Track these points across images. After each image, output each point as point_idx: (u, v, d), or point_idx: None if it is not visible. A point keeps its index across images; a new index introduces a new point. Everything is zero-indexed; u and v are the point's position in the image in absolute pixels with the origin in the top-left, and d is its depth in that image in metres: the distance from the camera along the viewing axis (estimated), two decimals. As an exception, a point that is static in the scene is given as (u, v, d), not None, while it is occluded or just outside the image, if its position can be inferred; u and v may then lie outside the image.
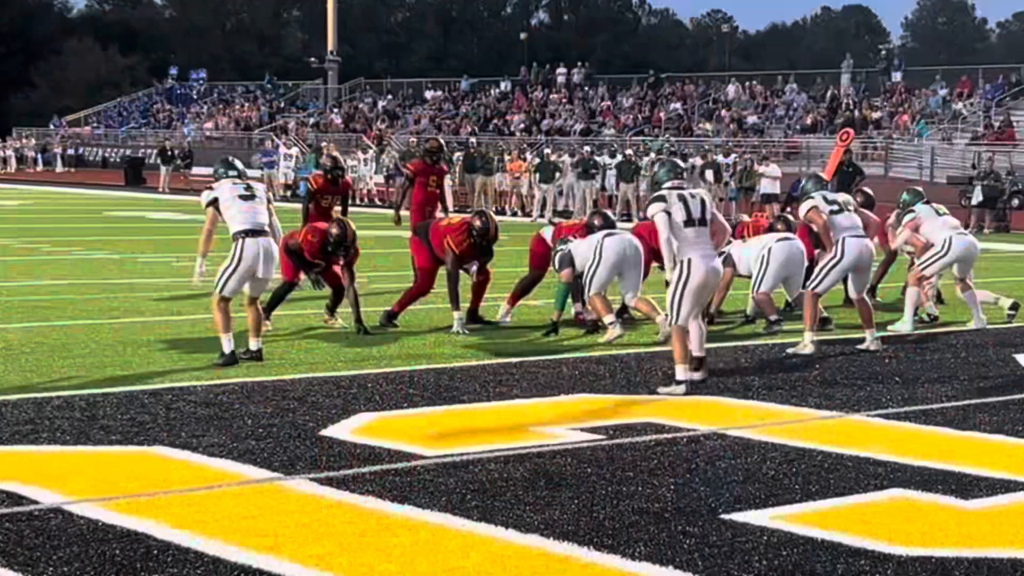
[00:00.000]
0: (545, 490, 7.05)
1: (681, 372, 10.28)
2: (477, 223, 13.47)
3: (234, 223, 11.21)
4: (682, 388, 10.14)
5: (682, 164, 13.45)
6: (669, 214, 10.44)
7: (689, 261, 10.38)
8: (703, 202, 10.64)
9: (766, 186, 37.34)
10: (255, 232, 11.21)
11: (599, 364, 11.51)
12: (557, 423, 8.88)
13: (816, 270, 12.76)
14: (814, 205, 12.60)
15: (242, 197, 11.33)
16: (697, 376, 10.48)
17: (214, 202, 11.35)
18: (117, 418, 8.72)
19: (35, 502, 6.65)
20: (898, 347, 12.90)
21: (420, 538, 6.16)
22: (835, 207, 12.68)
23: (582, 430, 8.64)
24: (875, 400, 10.00)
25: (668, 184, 10.72)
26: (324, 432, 8.41)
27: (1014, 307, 14.67)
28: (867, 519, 6.62)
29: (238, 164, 11.83)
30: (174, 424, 8.57)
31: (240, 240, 11.14)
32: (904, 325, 14.01)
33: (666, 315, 10.77)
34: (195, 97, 78.42)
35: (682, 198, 10.52)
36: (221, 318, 11.11)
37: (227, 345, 11.06)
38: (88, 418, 8.72)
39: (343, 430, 8.48)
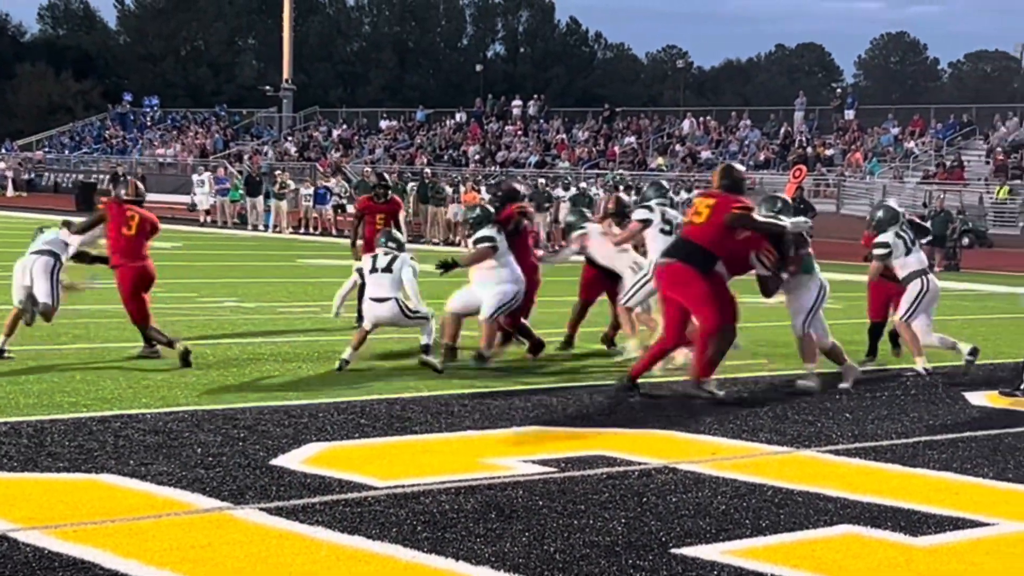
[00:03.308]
0: (496, 522, 7.03)
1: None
2: None
3: None
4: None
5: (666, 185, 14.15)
6: (650, 221, 13.09)
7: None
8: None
9: None
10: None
11: (551, 396, 11.51)
12: (508, 455, 8.86)
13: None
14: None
15: None
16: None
17: None
18: (65, 445, 8.64)
19: (-20, 529, 6.57)
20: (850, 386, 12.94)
21: (370, 569, 6.13)
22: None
23: (533, 462, 8.62)
24: (826, 436, 10.03)
25: (656, 201, 13.34)
26: (274, 462, 8.36)
27: (973, 352, 14.30)
28: (817, 555, 6.64)
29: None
30: (122, 452, 8.49)
31: None
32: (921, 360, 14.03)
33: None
34: (148, 123, 78.12)
35: (664, 214, 13.12)
36: None
37: None
38: (35, 445, 8.64)
39: (294, 460, 8.44)
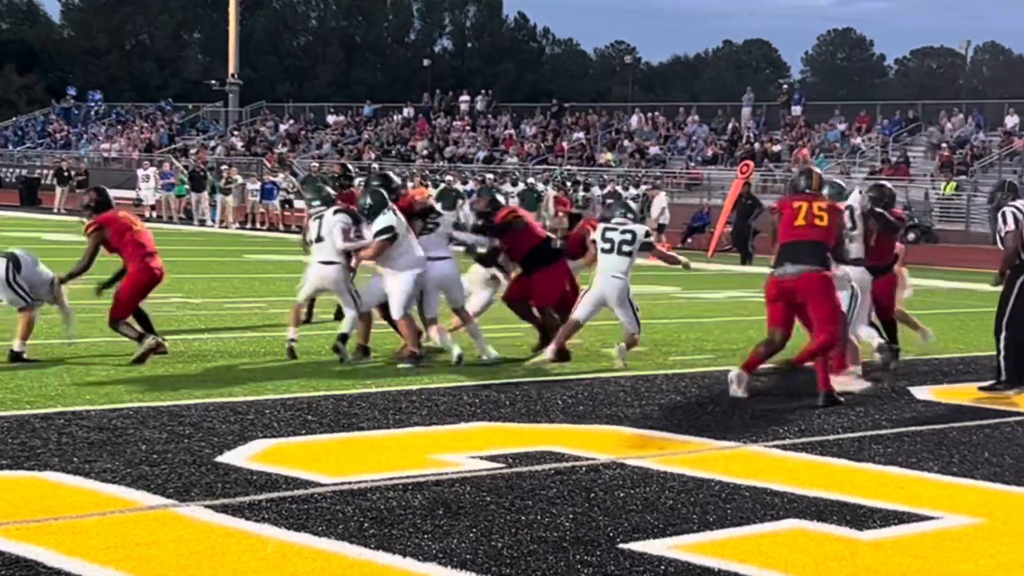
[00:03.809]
0: (444, 519, 7.01)
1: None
2: None
3: None
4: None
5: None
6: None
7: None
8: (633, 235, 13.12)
9: (655, 214, 37.81)
10: None
11: (499, 392, 11.49)
12: (457, 451, 8.84)
13: None
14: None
15: None
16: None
17: None
18: (7, 442, 8.55)
19: (-80, 528, 6.49)
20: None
21: (317, 566, 6.10)
22: None
23: (481, 458, 8.61)
24: (772, 431, 10.07)
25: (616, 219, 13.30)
26: (220, 458, 8.30)
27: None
28: (764, 549, 6.66)
29: None
30: (66, 449, 8.41)
31: None
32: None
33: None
34: (93, 118, 77.52)
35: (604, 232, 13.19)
36: None
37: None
38: (-23, 442, 8.54)
39: (239, 457, 8.38)
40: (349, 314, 13.12)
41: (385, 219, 12.84)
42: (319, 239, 13.19)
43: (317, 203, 13.47)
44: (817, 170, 12.54)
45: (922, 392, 12.23)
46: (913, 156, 50.54)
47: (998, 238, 12.66)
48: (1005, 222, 12.25)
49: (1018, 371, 12.25)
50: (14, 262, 12.51)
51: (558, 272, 13.86)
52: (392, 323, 13.31)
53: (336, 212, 13.23)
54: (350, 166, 19.96)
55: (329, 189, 14.11)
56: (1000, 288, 12.44)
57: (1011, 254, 12.21)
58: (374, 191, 13.20)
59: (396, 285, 12.89)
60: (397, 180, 14.23)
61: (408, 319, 12.98)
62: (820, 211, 11.58)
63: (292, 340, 13.04)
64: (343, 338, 12.92)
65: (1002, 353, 12.28)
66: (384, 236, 12.77)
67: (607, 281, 13.20)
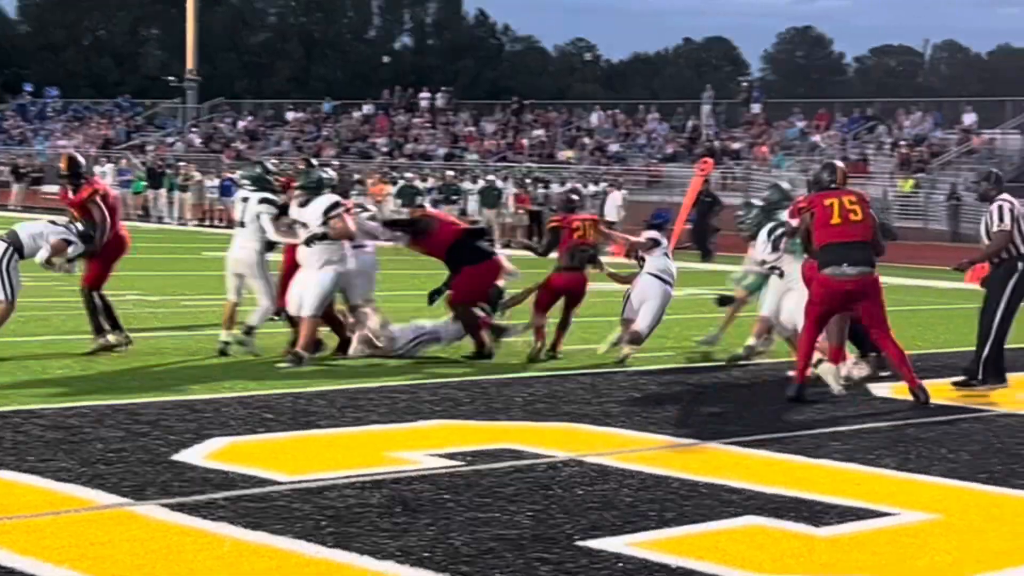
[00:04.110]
0: (402, 516, 6.99)
1: None
2: None
3: None
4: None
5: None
6: None
7: None
8: None
9: (608, 212, 37.94)
10: None
11: (458, 390, 11.47)
12: (415, 449, 8.82)
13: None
14: None
15: None
16: None
17: None
18: (-39, 441, 8.48)
19: None
20: (754, 375, 13.05)
21: (273, 565, 6.07)
22: None
23: (440, 456, 8.59)
24: (731, 428, 10.09)
25: None
26: (176, 457, 8.25)
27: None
28: (721, 546, 6.66)
29: None
30: (21, 448, 8.34)
31: None
32: None
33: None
34: (50, 114, 76.93)
35: None
36: None
37: None
38: (-69, 441, 8.47)
39: (196, 455, 8.33)
40: (262, 304, 12.89)
41: (330, 196, 12.66)
42: (241, 224, 13.09)
43: (249, 183, 13.31)
44: (840, 164, 12.33)
45: (880, 389, 12.27)
46: (871, 154, 50.77)
47: (985, 231, 12.41)
48: (1002, 219, 12.14)
49: (996, 368, 12.29)
50: (16, 247, 12.37)
51: (483, 270, 13.47)
52: (292, 318, 12.92)
53: (261, 201, 13.04)
54: (314, 160, 19.80)
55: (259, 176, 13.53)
56: (981, 285, 12.44)
57: (995, 251, 12.18)
58: (307, 172, 13.11)
59: (316, 282, 12.53)
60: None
61: (315, 320, 12.62)
62: (852, 205, 11.51)
63: (226, 343, 12.88)
64: (248, 330, 12.83)
65: (985, 352, 12.27)
66: (337, 211, 12.52)
67: (651, 281, 13.69)
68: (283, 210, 12.97)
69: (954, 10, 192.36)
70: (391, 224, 13.92)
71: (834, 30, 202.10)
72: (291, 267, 12.92)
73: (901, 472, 8.67)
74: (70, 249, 12.48)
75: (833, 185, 11.73)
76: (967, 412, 11.20)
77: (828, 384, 11.64)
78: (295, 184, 12.98)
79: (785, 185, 14.34)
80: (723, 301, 14.53)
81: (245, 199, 13.21)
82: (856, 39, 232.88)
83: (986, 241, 12.35)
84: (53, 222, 12.73)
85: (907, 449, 9.44)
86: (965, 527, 7.31)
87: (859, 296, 11.42)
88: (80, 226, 12.64)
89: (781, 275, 13.02)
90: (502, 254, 14.00)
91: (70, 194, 12.95)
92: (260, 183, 13.20)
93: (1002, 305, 12.18)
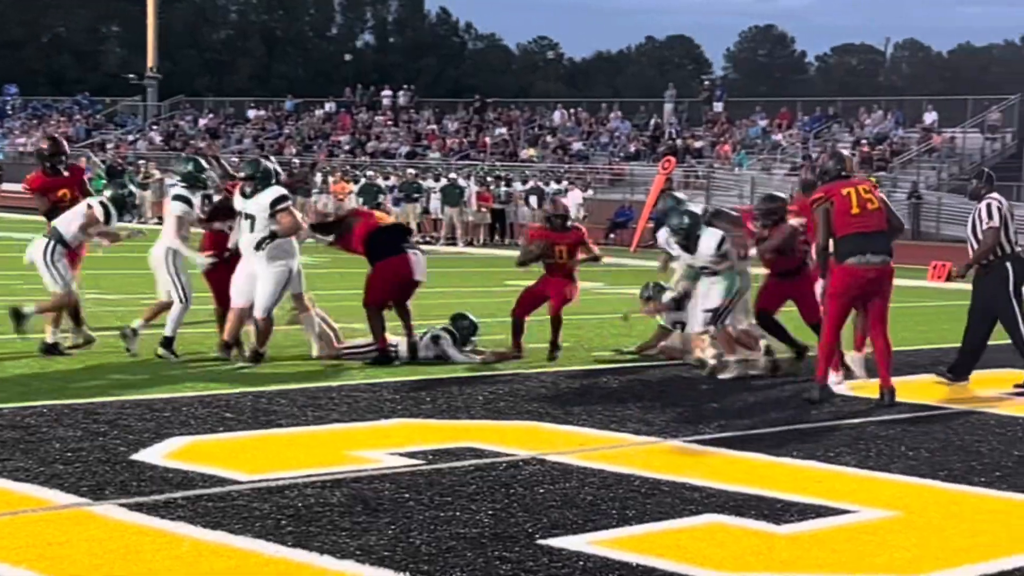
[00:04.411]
0: (362, 515, 6.96)
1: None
2: None
3: None
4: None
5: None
6: None
7: None
8: None
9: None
10: None
11: (419, 389, 11.45)
12: (376, 448, 8.80)
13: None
14: None
15: None
16: None
17: None
18: (-83, 441, 8.40)
19: None
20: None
21: (232, 564, 6.03)
22: None
23: (401, 455, 8.57)
24: (692, 426, 10.11)
25: None
26: (135, 457, 8.20)
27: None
28: (682, 544, 6.67)
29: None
30: (-22, 448, 8.28)
31: None
32: None
33: None
34: (9, 112, 76.40)
35: None
36: None
37: None
38: None
39: (155, 455, 8.28)
40: (174, 308, 12.65)
41: (277, 188, 12.32)
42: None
43: (178, 179, 13.19)
44: (846, 152, 12.32)
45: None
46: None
47: (975, 230, 12.46)
48: (991, 216, 12.20)
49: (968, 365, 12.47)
50: (57, 239, 12.45)
51: (391, 266, 13.05)
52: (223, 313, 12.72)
53: (174, 197, 12.91)
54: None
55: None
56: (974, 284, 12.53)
57: (987, 249, 12.23)
58: (254, 163, 12.87)
59: (267, 279, 12.21)
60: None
61: (271, 321, 12.41)
62: (867, 194, 11.51)
63: (133, 330, 12.73)
64: (166, 342, 12.61)
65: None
66: (284, 205, 12.19)
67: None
68: (224, 209, 12.82)
69: (915, 9, 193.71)
70: (318, 228, 13.65)
71: (796, 29, 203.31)
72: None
73: (861, 470, 8.71)
74: (99, 214, 12.63)
75: (844, 174, 11.66)
76: (927, 410, 11.25)
77: (855, 373, 12.17)
78: (241, 174, 12.81)
79: (693, 210, 13.91)
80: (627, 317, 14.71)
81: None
82: (818, 38, 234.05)
83: (973, 239, 12.40)
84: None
85: (867, 447, 9.47)
86: (924, 524, 7.34)
87: (878, 285, 11.48)
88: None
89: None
90: (417, 253, 13.42)
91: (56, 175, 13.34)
92: (189, 179, 13.03)
93: (1016, 310, 12.26)
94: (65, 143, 13.50)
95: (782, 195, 14.23)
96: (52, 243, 12.46)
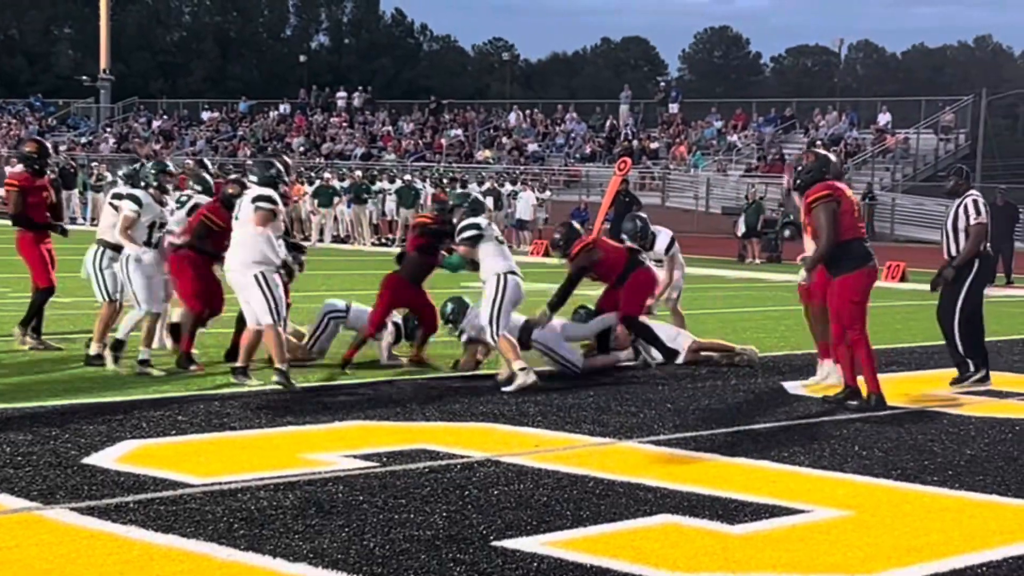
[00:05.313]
0: (315, 518, 6.93)
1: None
2: None
3: None
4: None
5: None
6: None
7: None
8: None
9: (521, 211, 38.01)
10: None
11: (374, 390, 11.42)
12: (330, 450, 8.76)
13: None
14: None
15: None
16: None
17: None
18: None
19: None
20: (670, 374, 13.09)
21: (184, 568, 5.99)
22: None
23: (355, 457, 8.53)
24: (647, 427, 10.11)
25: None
26: (87, 460, 8.14)
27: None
28: (636, 544, 6.67)
29: None
30: (-73, 452, 8.20)
31: None
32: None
33: None
34: (-39, 114, 75.82)
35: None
36: None
37: None
38: None
39: (107, 458, 8.22)
40: (131, 313, 12.30)
41: (268, 192, 11.58)
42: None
43: (123, 180, 12.75)
44: (831, 156, 12.23)
45: (795, 387, 12.35)
46: (788, 153, 51.24)
47: (952, 227, 12.44)
48: (979, 212, 12.21)
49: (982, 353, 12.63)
50: (106, 246, 12.43)
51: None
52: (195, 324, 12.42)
53: (114, 195, 12.59)
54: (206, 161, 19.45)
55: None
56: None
57: (976, 245, 12.24)
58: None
59: (250, 287, 11.41)
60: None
61: (275, 329, 11.46)
62: (855, 198, 11.56)
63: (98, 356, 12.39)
64: (116, 345, 12.25)
65: (959, 344, 12.48)
66: (267, 205, 11.38)
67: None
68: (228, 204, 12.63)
69: (869, 11, 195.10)
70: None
71: (751, 30, 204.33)
72: (180, 269, 12.49)
73: (814, 469, 8.73)
74: (129, 209, 12.05)
75: (828, 178, 11.53)
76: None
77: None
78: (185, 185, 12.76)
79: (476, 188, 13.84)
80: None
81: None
82: (773, 39, 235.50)
83: (952, 236, 12.39)
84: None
85: (821, 446, 9.50)
86: (877, 523, 7.37)
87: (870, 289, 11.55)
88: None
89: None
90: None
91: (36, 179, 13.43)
92: (132, 180, 12.67)
93: (958, 310, 12.27)
94: (49, 146, 13.70)
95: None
96: (101, 250, 12.46)
